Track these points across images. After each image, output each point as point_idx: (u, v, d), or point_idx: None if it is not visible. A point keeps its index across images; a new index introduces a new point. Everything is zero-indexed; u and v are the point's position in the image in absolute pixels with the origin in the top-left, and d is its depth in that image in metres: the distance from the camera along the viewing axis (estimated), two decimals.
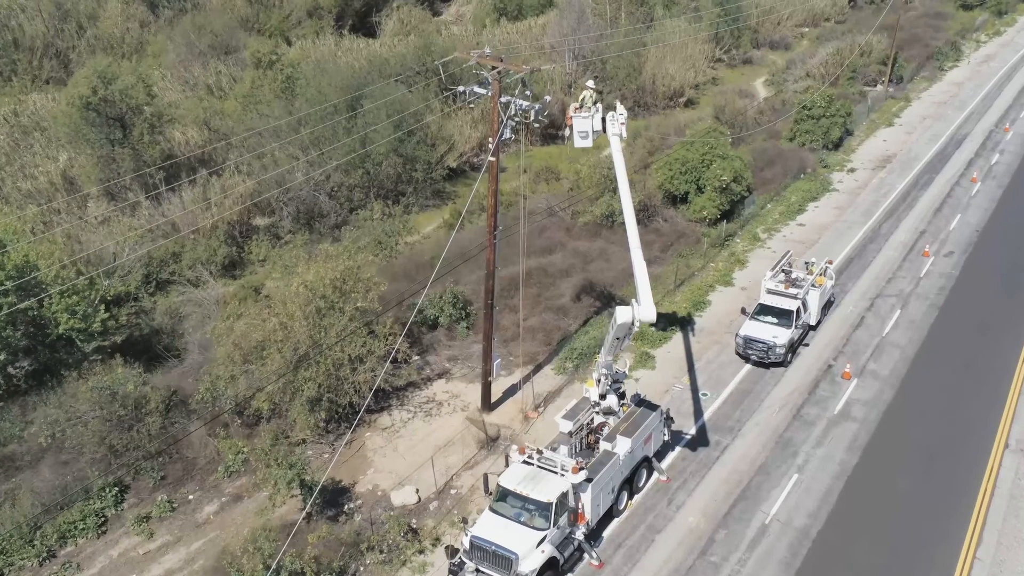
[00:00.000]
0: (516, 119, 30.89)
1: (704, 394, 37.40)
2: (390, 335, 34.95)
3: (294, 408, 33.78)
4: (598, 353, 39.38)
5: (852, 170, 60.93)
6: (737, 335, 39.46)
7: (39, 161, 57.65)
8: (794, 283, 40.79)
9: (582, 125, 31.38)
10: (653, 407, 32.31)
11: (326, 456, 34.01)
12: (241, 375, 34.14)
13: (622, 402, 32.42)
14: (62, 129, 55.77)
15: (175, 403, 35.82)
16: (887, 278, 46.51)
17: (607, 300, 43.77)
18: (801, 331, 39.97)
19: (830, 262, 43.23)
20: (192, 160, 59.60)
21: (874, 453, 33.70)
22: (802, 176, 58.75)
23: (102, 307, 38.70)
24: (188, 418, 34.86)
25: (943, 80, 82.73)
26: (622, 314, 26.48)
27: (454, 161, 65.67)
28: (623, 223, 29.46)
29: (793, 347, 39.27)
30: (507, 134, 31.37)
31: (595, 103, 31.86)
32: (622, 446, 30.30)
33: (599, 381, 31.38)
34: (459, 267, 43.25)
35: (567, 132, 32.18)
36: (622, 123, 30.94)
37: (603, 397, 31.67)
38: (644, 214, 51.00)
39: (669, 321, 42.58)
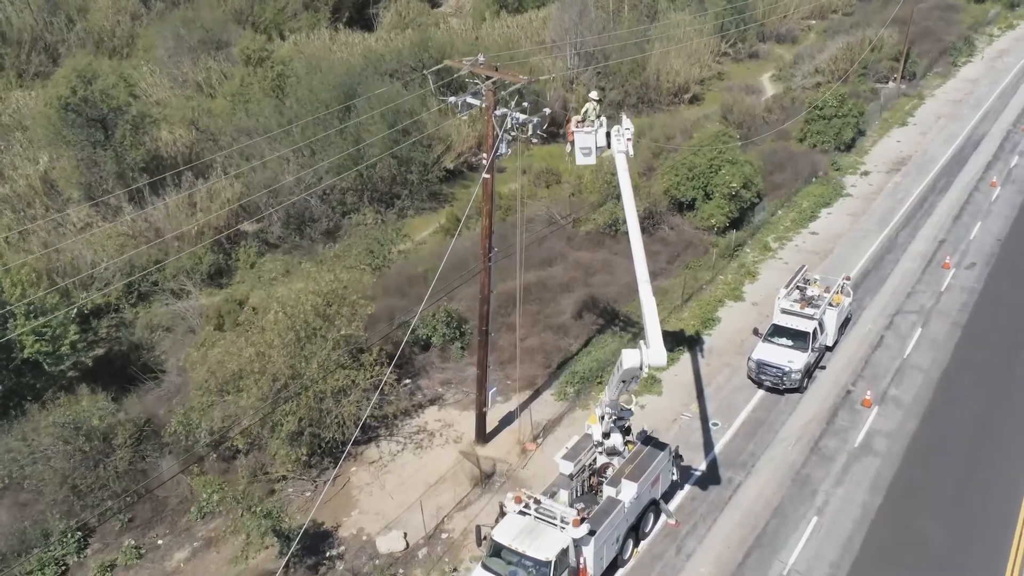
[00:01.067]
0: (512, 134, 27.99)
1: (715, 424, 34.60)
2: (377, 364, 32.11)
3: (273, 443, 31.02)
4: (601, 384, 36.80)
5: (866, 173, 57.92)
6: (749, 359, 36.62)
7: (19, 163, 54.75)
8: (810, 302, 37.91)
9: (584, 141, 28.47)
10: (661, 446, 29.49)
11: (308, 494, 31.30)
12: (217, 405, 31.37)
13: (627, 439, 29.62)
14: (40, 130, 52.86)
15: (148, 434, 33.13)
16: (906, 292, 43.61)
17: (611, 317, 40.93)
18: (818, 354, 37.12)
19: (847, 278, 40.35)
20: (178, 162, 56.76)
21: (899, 493, 30.93)
22: (814, 180, 55.76)
23: (73, 327, 35.96)
24: (160, 452, 32.12)
25: (957, 76, 79.50)
26: (629, 358, 23.67)
27: (451, 162, 62.74)
28: (627, 232, 26.79)
29: (809, 371, 36.44)
30: (503, 149, 28.50)
31: (599, 116, 28.93)
32: (627, 492, 27.51)
33: (602, 419, 28.58)
34: (454, 279, 40.41)
35: (568, 148, 29.37)
36: (628, 139, 28.02)
37: (607, 436, 28.87)
38: (649, 222, 48.09)
39: (677, 341, 39.74)
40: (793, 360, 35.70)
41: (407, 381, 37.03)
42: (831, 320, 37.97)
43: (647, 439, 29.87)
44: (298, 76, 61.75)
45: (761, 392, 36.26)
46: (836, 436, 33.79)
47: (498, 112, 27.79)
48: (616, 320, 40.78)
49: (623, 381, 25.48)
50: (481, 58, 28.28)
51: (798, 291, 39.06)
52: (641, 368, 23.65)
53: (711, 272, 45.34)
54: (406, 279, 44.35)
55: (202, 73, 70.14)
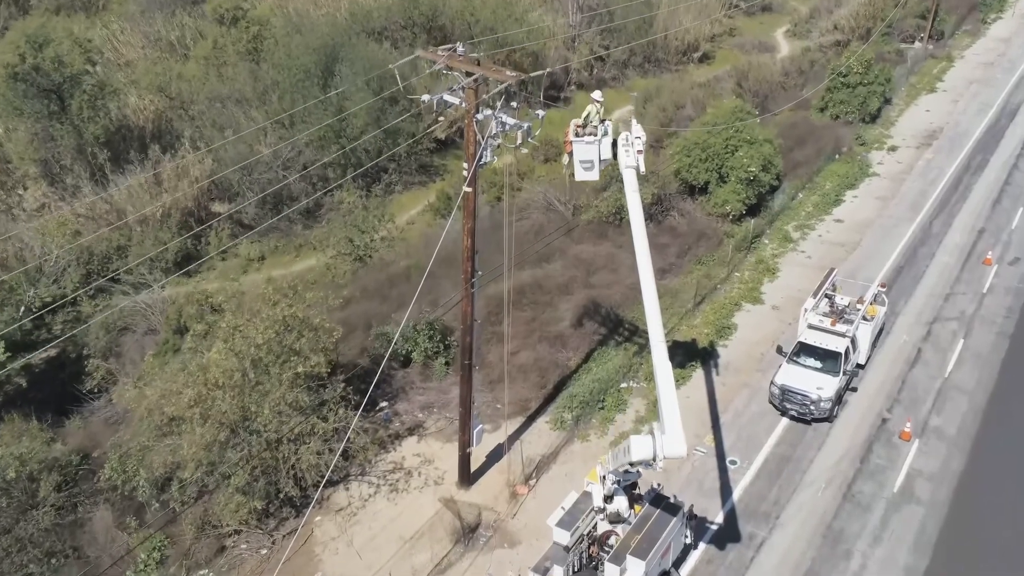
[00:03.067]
0: (498, 141, 22.70)
1: (732, 462, 29.80)
2: (343, 405, 27.23)
3: (222, 496, 26.25)
4: (604, 410, 31.96)
5: (893, 149, 52.30)
6: (772, 383, 31.67)
7: None
8: (841, 316, 32.82)
9: (586, 153, 23.19)
10: (674, 509, 24.60)
11: (264, 552, 26.61)
12: (156, 450, 26.56)
13: (634, 491, 24.77)
14: None
15: (84, 473, 28.47)
16: (944, 294, 38.50)
17: (614, 325, 35.91)
18: (849, 376, 32.14)
19: (883, 286, 35.09)
20: (145, 134, 51.25)
21: (947, 553, 26.23)
22: (837, 157, 50.22)
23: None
24: (94, 501, 27.42)
25: (987, 35, 73.21)
26: (638, 448, 18.88)
27: (443, 131, 57.09)
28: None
29: (840, 397, 31.53)
30: (488, 157, 23.21)
31: (603, 120, 23.59)
32: (634, 570, 22.78)
33: (603, 479, 23.71)
34: (440, 277, 35.33)
35: (565, 159, 24.14)
36: (639, 150, 22.73)
37: (609, 499, 24.02)
38: (657, 208, 42.82)
39: (688, 354, 34.79)
40: (823, 387, 30.75)
41: (383, 404, 32.19)
42: (865, 336, 32.94)
43: (657, 498, 24.99)
44: (276, 38, 55.83)
45: (785, 421, 31.43)
46: (872, 478, 29.00)
47: (480, 115, 22.47)
48: (620, 328, 35.78)
49: (631, 463, 20.56)
50: (460, 48, 22.81)
51: (827, 300, 33.96)
52: (654, 459, 18.72)
53: (726, 268, 40.14)
54: (387, 278, 39.30)
55: (176, 31, 64.05)
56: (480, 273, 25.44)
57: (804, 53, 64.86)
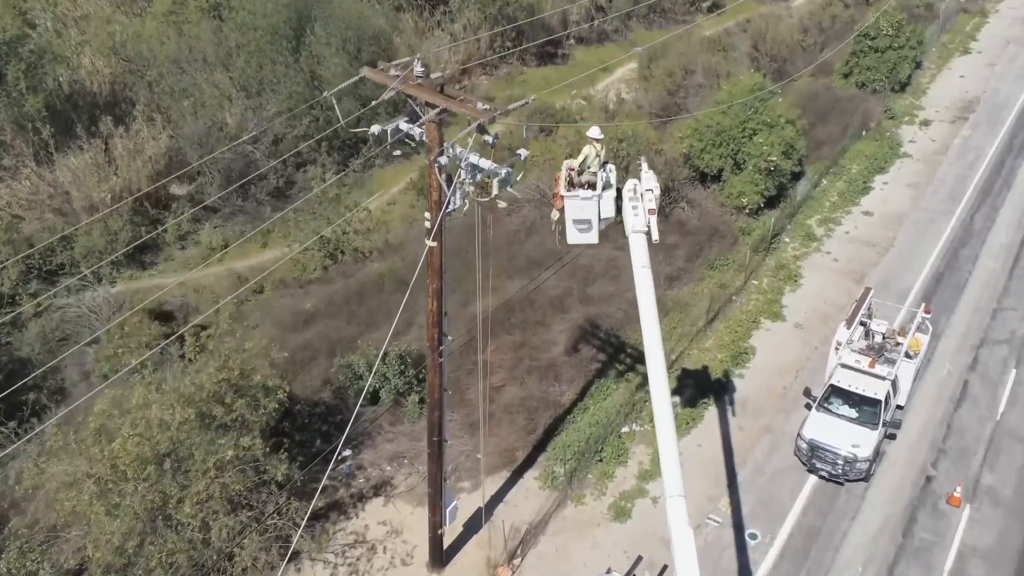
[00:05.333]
0: (469, 188, 17.13)
1: (752, 535, 24.88)
2: (289, 494, 22.17)
3: None
4: (603, 463, 26.95)
5: (926, 123, 46.28)
6: (800, 436, 26.56)
7: None
8: (881, 352, 27.54)
9: (581, 211, 17.62)
10: None
11: None
12: (62, 540, 21.62)
13: None
14: None
15: None
16: (990, 309, 33.21)
17: (614, 351, 30.69)
18: (889, 426, 26.97)
19: (927, 311, 29.66)
20: (98, 103, 45.18)
21: None
22: (864, 134, 44.25)
23: None
24: None
25: None
26: None
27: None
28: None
29: (879, 451, 26.47)
30: (457, 203, 17.63)
31: (604, 165, 17.97)
32: None
33: None
34: (416, 292, 29.89)
35: (554, 216, 18.56)
36: (651, 209, 17.13)
37: None
38: (664, 198, 37.07)
39: (700, 387, 29.67)
40: (860, 443, 25.66)
41: (346, 454, 27.14)
42: (907, 374, 27.73)
43: None
44: None
45: (813, 479, 26.44)
46: (917, 559, 24.14)
47: (443, 158, 16.87)
48: (621, 355, 30.57)
49: None
50: (419, 66, 17.05)
51: (861, 328, 28.64)
52: None
53: (742, 274, 34.69)
54: (357, 288, 33.94)
55: None
56: (450, 339, 20.10)
57: (824, 8, 58.03)
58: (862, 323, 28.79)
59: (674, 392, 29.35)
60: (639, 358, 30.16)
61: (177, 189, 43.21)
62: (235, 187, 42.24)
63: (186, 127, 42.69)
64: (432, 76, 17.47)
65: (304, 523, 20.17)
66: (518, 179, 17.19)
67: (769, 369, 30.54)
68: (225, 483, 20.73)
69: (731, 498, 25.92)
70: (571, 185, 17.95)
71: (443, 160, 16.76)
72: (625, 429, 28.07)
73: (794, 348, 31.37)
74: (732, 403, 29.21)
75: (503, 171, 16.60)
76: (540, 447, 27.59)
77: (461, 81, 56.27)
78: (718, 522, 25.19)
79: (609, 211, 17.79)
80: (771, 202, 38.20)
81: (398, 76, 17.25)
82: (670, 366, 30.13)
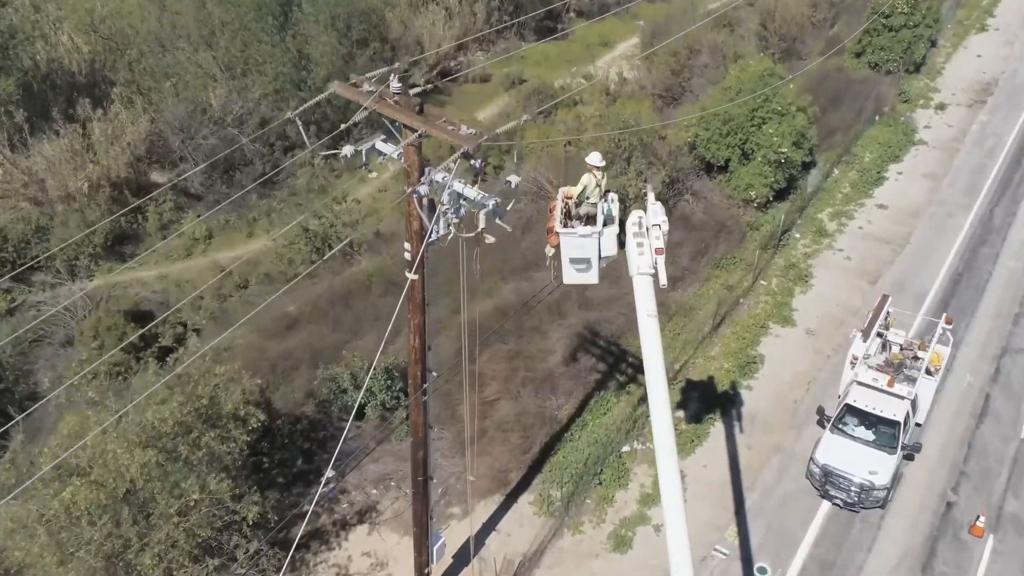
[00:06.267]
0: (452, 219, 15.01)
1: (761, 569, 23.08)
2: (255, 538, 20.29)
3: None
4: (602, 486, 25.07)
5: (941, 107, 43.88)
6: (812, 460, 24.68)
7: None
8: (900, 369, 25.56)
9: (579, 249, 15.54)
10: None
11: None
12: None
13: None
14: None
15: None
16: (1012, 314, 31.20)
17: (615, 361, 28.76)
18: (909, 450, 25.04)
19: (949, 322, 27.58)
20: (75, 85, 42.82)
21: None
22: (877, 119, 41.88)
23: None
24: None
25: None
26: None
27: (423, 76, 48.61)
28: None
29: (897, 477, 24.59)
30: (442, 230, 15.51)
31: (605, 195, 15.84)
32: None
33: None
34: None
35: (548, 252, 16.43)
36: (658, 248, 15.02)
37: None
38: (669, 190, 35.01)
39: (706, 400, 27.78)
40: (878, 469, 23.80)
41: (329, 475, 25.23)
42: (927, 393, 25.76)
43: None
44: None
45: (825, 505, 24.61)
46: None
47: (423, 186, 14.74)
48: (622, 365, 28.64)
49: None
50: (395, 81, 14.84)
51: (878, 340, 26.66)
52: None
53: (750, 274, 32.62)
54: (343, 290, 31.90)
55: None
56: (435, 375, 18.10)
57: None
58: (879, 334, 26.80)
59: (678, 406, 27.48)
60: (640, 367, 28.20)
61: (158, 176, 41.16)
62: (220, 174, 40.38)
63: (167, 110, 40.54)
64: (412, 91, 15.30)
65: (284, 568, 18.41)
66: (509, 207, 15.07)
67: (779, 380, 28.59)
68: (190, 528, 18.86)
69: (739, 527, 24.10)
70: (568, 217, 15.87)
71: (423, 190, 14.63)
72: (626, 448, 26.20)
73: (805, 357, 29.41)
74: (740, 419, 27.31)
75: (491, 202, 14.47)
76: (536, 467, 25.75)
77: (456, 57, 53.87)
78: (725, 554, 23.40)
79: (611, 249, 15.71)
80: (780, 194, 36.05)
81: (372, 92, 15.08)
82: (673, 377, 28.24)
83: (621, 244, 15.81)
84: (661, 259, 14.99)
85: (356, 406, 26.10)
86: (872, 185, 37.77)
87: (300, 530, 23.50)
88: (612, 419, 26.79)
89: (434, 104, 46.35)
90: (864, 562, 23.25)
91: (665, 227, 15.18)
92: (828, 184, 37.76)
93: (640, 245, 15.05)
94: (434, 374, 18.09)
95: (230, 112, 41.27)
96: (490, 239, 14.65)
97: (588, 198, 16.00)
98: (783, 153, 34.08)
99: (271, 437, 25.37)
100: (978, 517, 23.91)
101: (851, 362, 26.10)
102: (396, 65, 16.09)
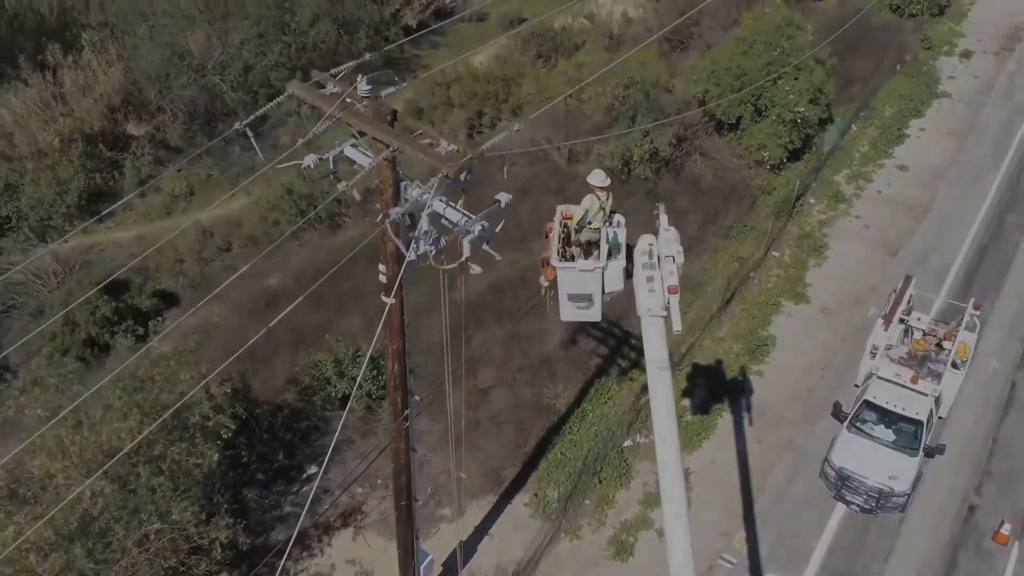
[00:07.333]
0: (430, 247, 12.75)
1: None
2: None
3: None
4: (603, 484, 23.33)
5: (966, 54, 40.92)
6: (828, 461, 22.90)
7: None
8: (924, 363, 23.56)
9: (579, 285, 13.28)
10: None
11: None
12: None
13: None
14: None
15: None
16: None
17: (617, 344, 26.76)
18: (931, 450, 23.20)
19: (977, 307, 25.39)
20: (43, 30, 39.88)
21: None
22: (899, 68, 39.01)
23: None
24: None
25: None
26: None
27: (414, 16, 45.57)
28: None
29: (919, 479, 22.80)
30: (423, 248, 13.28)
31: (610, 217, 13.56)
32: None
33: None
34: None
35: (544, 283, 14.13)
36: (672, 286, 12.79)
37: None
38: (676, 150, 32.56)
39: (712, 388, 25.89)
40: (898, 474, 22.04)
41: (312, 472, 23.60)
42: (952, 387, 23.76)
43: None
44: None
45: (839, 509, 22.89)
46: None
47: (401, 208, 12.50)
48: (624, 348, 26.65)
49: None
50: (364, 85, 12.46)
51: (901, 326, 24.61)
52: None
53: (761, 244, 30.39)
54: (328, 262, 29.57)
55: None
56: (418, 399, 16.11)
57: None
58: (900, 319, 24.73)
59: (684, 395, 25.59)
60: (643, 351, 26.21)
61: (134, 129, 38.52)
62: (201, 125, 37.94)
63: (143, 56, 37.76)
64: (383, 93, 12.94)
65: None
66: (498, 229, 12.84)
67: (792, 367, 26.61)
68: (151, 558, 17.11)
69: (747, 533, 22.44)
70: (566, 244, 13.64)
71: (396, 214, 12.38)
72: (627, 443, 24.40)
73: (820, 338, 27.39)
74: (749, 409, 25.43)
75: (476, 227, 12.23)
76: (532, 463, 23.98)
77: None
78: (732, 563, 21.78)
79: (617, 284, 13.52)
80: (795, 154, 33.56)
81: (337, 93, 12.72)
82: (679, 361, 26.29)
83: (628, 275, 13.62)
84: (675, 299, 12.77)
85: (341, 397, 24.42)
86: (892, 143, 35.20)
87: (281, 534, 22.10)
88: (613, 409, 24.93)
89: (428, 46, 43.57)
90: (880, 574, 21.64)
91: (680, 259, 12.95)
92: (845, 142, 35.20)
93: (650, 280, 12.82)
94: (416, 398, 16.10)
95: (210, 58, 38.53)
96: (476, 269, 12.44)
97: (590, 223, 13.76)
98: (799, 112, 31.49)
99: (249, 431, 23.55)
100: (1002, 523, 22.25)
101: (871, 352, 24.08)
102: (366, 56, 13.65)
